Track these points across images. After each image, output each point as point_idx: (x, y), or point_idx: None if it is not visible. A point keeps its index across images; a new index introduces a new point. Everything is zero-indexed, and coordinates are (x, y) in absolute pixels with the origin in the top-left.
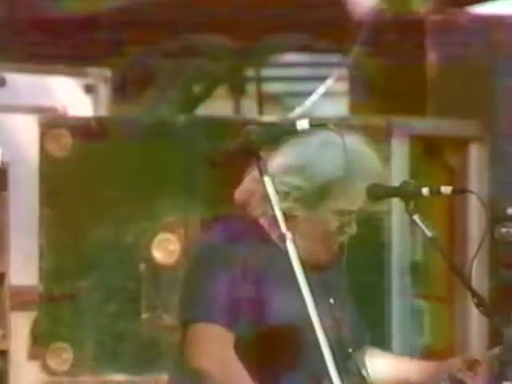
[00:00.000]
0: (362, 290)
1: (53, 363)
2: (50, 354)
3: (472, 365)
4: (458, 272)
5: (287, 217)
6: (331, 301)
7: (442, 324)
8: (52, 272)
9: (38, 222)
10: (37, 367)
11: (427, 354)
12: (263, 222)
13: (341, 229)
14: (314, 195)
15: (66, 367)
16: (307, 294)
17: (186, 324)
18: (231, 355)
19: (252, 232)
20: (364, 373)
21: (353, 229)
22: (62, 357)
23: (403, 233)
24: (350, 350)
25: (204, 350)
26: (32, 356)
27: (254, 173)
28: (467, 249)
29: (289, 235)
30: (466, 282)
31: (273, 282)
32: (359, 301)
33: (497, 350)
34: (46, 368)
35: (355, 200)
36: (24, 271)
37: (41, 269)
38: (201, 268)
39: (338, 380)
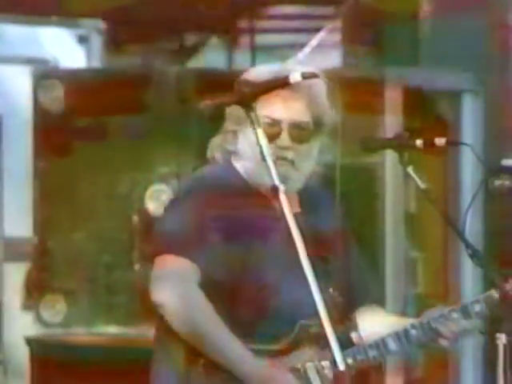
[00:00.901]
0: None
1: (46, 314)
2: (44, 306)
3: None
4: (452, 224)
5: (226, 137)
6: (320, 246)
7: (436, 274)
8: (46, 223)
9: (32, 174)
10: (30, 318)
11: (421, 303)
12: (241, 169)
13: (275, 145)
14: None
15: (59, 318)
16: (300, 245)
17: (153, 257)
18: (194, 287)
19: (225, 175)
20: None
21: (284, 141)
22: (55, 308)
23: (397, 185)
24: (331, 290)
25: (167, 280)
26: (25, 307)
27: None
28: (461, 201)
29: (281, 187)
30: (460, 234)
31: (243, 224)
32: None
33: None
34: (39, 319)
35: (278, 107)
36: (18, 223)
37: (35, 220)
38: (173, 205)
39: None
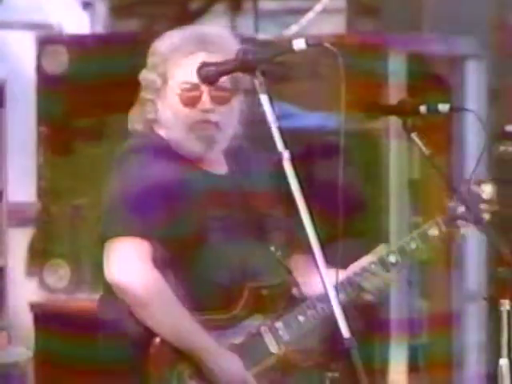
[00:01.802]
0: (359, 193)
1: (50, 280)
2: (48, 271)
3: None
4: (456, 190)
5: (145, 106)
6: (252, 203)
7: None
8: (50, 189)
9: (36, 140)
10: (34, 284)
11: (424, 269)
12: (166, 136)
13: (197, 109)
14: (159, 78)
15: (63, 284)
16: (304, 212)
17: (104, 241)
18: (149, 265)
19: (152, 145)
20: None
21: (205, 104)
22: (59, 273)
23: (401, 151)
24: (272, 248)
25: (121, 262)
26: (29, 273)
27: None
28: (465, 167)
29: (286, 154)
30: (464, 201)
31: (180, 191)
32: (358, 217)
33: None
34: (43, 285)
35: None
36: (22, 188)
37: (38, 186)
38: (113, 187)
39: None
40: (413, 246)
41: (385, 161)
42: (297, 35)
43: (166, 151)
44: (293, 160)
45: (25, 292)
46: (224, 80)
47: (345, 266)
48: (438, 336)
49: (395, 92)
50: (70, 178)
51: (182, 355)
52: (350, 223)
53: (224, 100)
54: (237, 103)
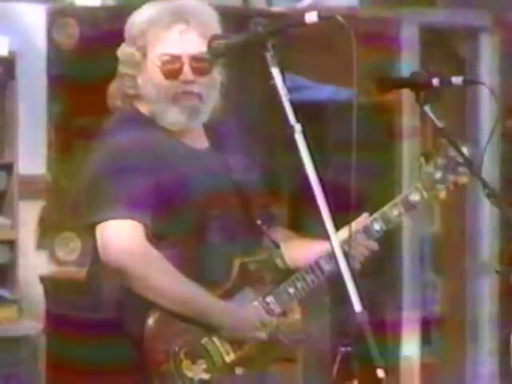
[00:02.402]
0: (371, 167)
1: (61, 253)
2: (58, 244)
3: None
4: (469, 163)
5: (124, 81)
6: (234, 178)
7: (453, 212)
8: (60, 162)
9: (46, 112)
10: (45, 257)
11: (436, 242)
12: (147, 111)
13: (179, 81)
14: (138, 52)
15: (73, 257)
16: (316, 185)
17: (93, 226)
18: (145, 244)
19: (134, 121)
20: (276, 246)
21: (187, 75)
22: (69, 246)
23: (413, 124)
24: (258, 222)
25: (117, 245)
26: (40, 246)
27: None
28: (479, 140)
29: (298, 127)
30: (477, 173)
31: (170, 170)
32: (370, 179)
33: None
34: (53, 258)
35: (175, 42)
36: (32, 160)
37: (49, 158)
38: (97, 166)
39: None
40: (395, 212)
41: (397, 133)
42: (310, 8)
43: (148, 126)
44: (304, 133)
45: (35, 265)
46: (204, 49)
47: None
48: (451, 309)
49: (408, 65)
50: (80, 150)
51: (177, 334)
52: (361, 196)
53: (205, 71)
54: (217, 75)
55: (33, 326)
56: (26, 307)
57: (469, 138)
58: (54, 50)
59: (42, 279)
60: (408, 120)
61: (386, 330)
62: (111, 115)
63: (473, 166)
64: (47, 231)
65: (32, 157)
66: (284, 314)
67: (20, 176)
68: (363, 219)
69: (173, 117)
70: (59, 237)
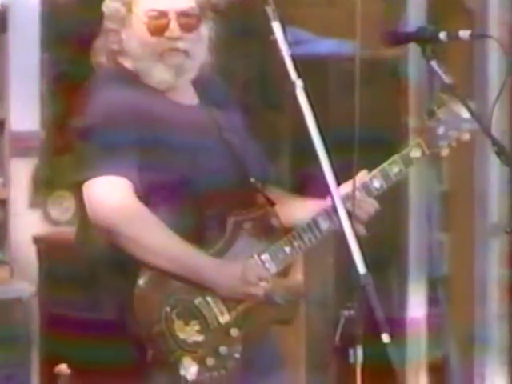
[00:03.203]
0: (378, 134)
1: (54, 212)
2: (52, 203)
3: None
4: (478, 119)
5: (108, 36)
6: (225, 135)
7: (462, 170)
8: (54, 118)
9: (39, 67)
10: (38, 216)
11: (445, 200)
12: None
13: (165, 37)
14: (123, 6)
15: (67, 217)
16: (318, 142)
17: (79, 185)
18: (135, 202)
19: (119, 77)
20: (270, 204)
21: (173, 31)
22: (63, 206)
23: (420, 80)
24: (252, 180)
25: (106, 203)
26: (33, 204)
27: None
28: (487, 96)
29: (299, 83)
30: (486, 130)
31: (156, 126)
32: (377, 146)
33: None
34: (47, 217)
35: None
36: (25, 117)
37: (42, 115)
38: (83, 127)
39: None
40: (395, 169)
41: (403, 90)
42: None
43: (133, 83)
44: (306, 89)
45: (28, 225)
46: (191, 4)
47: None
48: (459, 269)
49: (414, 19)
50: (75, 105)
51: (168, 294)
52: (365, 153)
53: (192, 27)
54: (205, 30)
55: (25, 287)
56: (18, 268)
57: (477, 93)
58: (48, 2)
59: (35, 240)
60: (414, 76)
61: (391, 292)
62: (96, 72)
63: (481, 122)
64: (40, 190)
65: (25, 112)
66: (285, 273)
67: (12, 132)
68: (362, 176)
69: (159, 74)
70: (53, 196)
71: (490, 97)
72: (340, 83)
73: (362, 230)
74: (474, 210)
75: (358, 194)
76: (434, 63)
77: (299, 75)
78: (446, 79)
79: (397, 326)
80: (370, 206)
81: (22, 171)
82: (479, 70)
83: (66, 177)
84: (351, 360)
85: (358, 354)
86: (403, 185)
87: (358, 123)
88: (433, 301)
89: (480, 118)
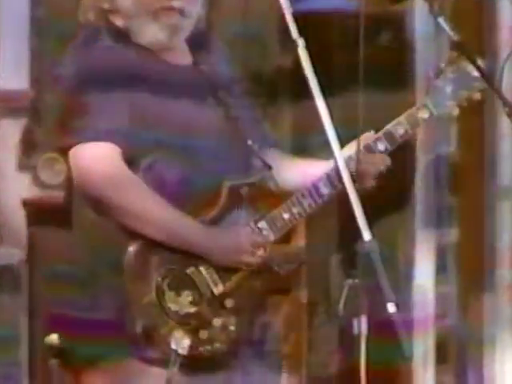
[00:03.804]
0: (384, 97)
1: (45, 175)
2: (42, 166)
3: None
4: (488, 78)
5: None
6: (221, 95)
7: (471, 132)
8: (44, 76)
9: (29, 24)
10: (27, 180)
11: (454, 163)
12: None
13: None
14: None
15: (58, 180)
16: (321, 104)
17: (66, 150)
18: (124, 168)
19: (109, 37)
20: (268, 168)
21: None
22: (54, 168)
23: (427, 38)
24: (250, 142)
25: (94, 170)
26: (22, 167)
27: None
28: (498, 55)
29: (301, 42)
30: (497, 91)
31: (151, 86)
32: (381, 106)
33: None
34: (37, 180)
35: None
36: (14, 75)
37: (31, 72)
38: (68, 87)
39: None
40: (401, 131)
41: (410, 47)
42: None
43: (123, 41)
44: (308, 48)
45: (17, 188)
46: None
47: None
48: (469, 235)
49: None
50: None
51: (159, 263)
52: (370, 113)
53: None
54: None
55: (14, 254)
56: (7, 233)
57: (487, 51)
58: None
59: (24, 204)
60: (421, 33)
61: (397, 257)
62: (84, 30)
63: (491, 82)
64: (30, 152)
65: (13, 70)
66: (286, 239)
67: (0, 91)
68: (367, 137)
69: (152, 34)
70: (43, 158)
71: (500, 55)
72: (344, 40)
73: (372, 183)
74: (483, 173)
75: (362, 156)
76: (441, 20)
77: (301, 34)
78: (454, 37)
79: (403, 295)
80: (380, 161)
81: (10, 132)
82: (489, 26)
83: (52, 140)
84: (355, 331)
85: (362, 325)
86: (410, 147)
87: (362, 82)
88: (441, 268)
89: (490, 78)
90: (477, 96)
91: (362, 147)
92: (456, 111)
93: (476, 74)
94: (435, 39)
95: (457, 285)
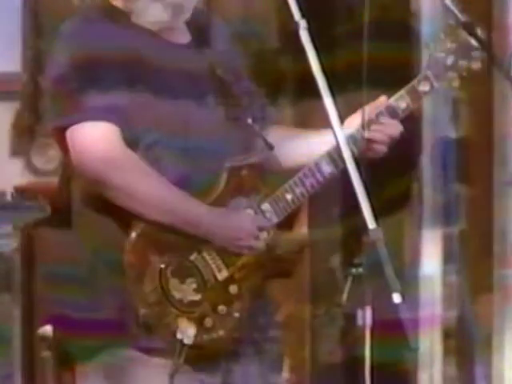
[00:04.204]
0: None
1: (38, 161)
2: (35, 151)
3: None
4: (497, 62)
5: None
6: (219, 73)
7: (479, 115)
8: (36, 58)
9: (21, 5)
10: (20, 165)
11: (461, 148)
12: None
13: None
14: None
15: (52, 166)
16: (323, 86)
17: (62, 131)
18: (124, 148)
19: (118, 20)
20: (270, 147)
21: None
22: (48, 154)
23: (434, 18)
24: (249, 121)
25: (93, 150)
26: (14, 153)
27: None
28: (508, 40)
29: (303, 23)
30: (505, 71)
31: (149, 64)
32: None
33: None
34: (30, 166)
35: None
36: (6, 57)
37: (24, 55)
38: (66, 65)
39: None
40: (402, 105)
41: (416, 13)
42: None
43: (123, 22)
44: (310, 30)
45: (9, 174)
46: None
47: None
48: (477, 222)
49: None
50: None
51: (162, 250)
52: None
53: None
54: None
55: (6, 242)
56: None
57: (496, 30)
58: None
59: (17, 190)
60: (427, 14)
61: (402, 248)
62: (80, 10)
63: (502, 66)
64: (23, 137)
65: (5, 53)
66: (289, 226)
67: None
68: (370, 111)
69: (154, 14)
70: (36, 143)
71: (510, 42)
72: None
73: (384, 149)
74: (492, 158)
75: (381, 117)
76: (448, 0)
77: (303, 15)
78: (462, 17)
79: (409, 284)
80: (393, 128)
81: (2, 116)
82: (499, 9)
83: (47, 122)
84: (359, 322)
85: (366, 316)
86: (416, 130)
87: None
88: (448, 257)
89: (501, 62)
90: (477, 65)
91: (372, 115)
92: (457, 82)
93: (475, 43)
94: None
95: (465, 275)
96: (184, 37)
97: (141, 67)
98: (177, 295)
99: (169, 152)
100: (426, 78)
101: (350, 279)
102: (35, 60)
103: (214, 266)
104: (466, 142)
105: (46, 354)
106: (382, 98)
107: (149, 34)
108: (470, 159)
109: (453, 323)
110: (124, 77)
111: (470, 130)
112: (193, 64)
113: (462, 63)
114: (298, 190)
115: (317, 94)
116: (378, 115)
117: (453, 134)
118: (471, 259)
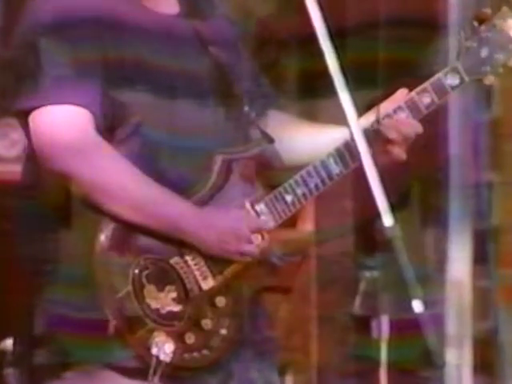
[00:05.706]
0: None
1: (0, 146)
2: None
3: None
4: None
5: None
6: (211, 50)
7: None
8: (7, 29)
9: None
10: None
11: (494, 133)
12: None
13: None
14: None
15: (16, 152)
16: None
17: (25, 114)
18: (95, 137)
19: None
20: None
21: None
22: (10, 137)
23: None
24: (246, 108)
25: (59, 138)
26: None
27: None
28: None
29: None
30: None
31: (131, 37)
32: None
33: None
34: None
35: None
36: None
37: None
38: (31, 36)
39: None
40: (426, 100)
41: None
42: None
43: None
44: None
45: None
46: None
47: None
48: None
49: None
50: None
51: (137, 252)
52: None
53: None
54: None
55: None
56: None
57: None
58: None
59: None
60: None
61: (426, 248)
62: None
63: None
64: None
65: None
66: (291, 222)
67: None
68: (387, 106)
69: None
70: None
71: None
72: None
73: (402, 154)
74: None
75: (399, 113)
76: None
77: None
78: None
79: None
80: (410, 128)
81: None
82: None
83: (8, 102)
84: (374, 334)
85: (382, 327)
86: (442, 114)
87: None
88: (479, 257)
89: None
90: None
91: (402, 103)
92: (490, 80)
93: None
94: None
95: (498, 279)
96: (171, 6)
97: (118, 38)
98: (153, 304)
99: (150, 142)
100: (455, 70)
101: (363, 284)
102: (6, 30)
103: (197, 272)
104: (497, 125)
105: (9, 371)
106: (402, 91)
107: (130, 1)
108: (502, 144)
109: (484, 335)
110: (97, 50)
111: (501, 112)
112: (180, 38)
113: (498, 57)
114: (299, 191)
115: (325, 89)
116: (395, 110)
117: (484, 120)
118: (505, 259)
